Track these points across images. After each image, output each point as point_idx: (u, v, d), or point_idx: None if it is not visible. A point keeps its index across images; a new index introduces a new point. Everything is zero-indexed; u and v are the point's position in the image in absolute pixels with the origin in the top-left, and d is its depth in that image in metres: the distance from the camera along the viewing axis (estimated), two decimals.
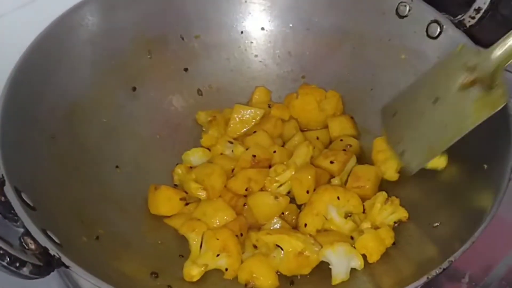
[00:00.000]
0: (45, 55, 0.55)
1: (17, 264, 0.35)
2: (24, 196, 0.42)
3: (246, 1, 0.68)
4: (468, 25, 0.58)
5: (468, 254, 0.51)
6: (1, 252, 0.34)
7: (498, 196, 0.44)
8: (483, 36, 0.76)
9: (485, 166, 0.49)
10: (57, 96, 0.56)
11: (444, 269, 0.39)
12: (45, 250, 0.38)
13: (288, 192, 0.57)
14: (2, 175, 0.42)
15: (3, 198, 0.41)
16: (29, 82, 0.52)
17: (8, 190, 0.41)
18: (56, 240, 0.40)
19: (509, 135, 0.48)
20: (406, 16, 0.62)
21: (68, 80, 0.57)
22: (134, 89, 0.64)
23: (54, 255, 0.38)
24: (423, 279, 0.39)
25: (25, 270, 0.35)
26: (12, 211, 0.40)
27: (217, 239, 0.51)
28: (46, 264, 0.37)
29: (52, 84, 0.55)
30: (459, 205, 0.49)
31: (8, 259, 0.34)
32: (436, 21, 0.59)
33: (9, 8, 0.56)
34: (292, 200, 0.57)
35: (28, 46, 0.53)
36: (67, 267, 0.38)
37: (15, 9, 0.56)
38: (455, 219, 0.48)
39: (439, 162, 0.54)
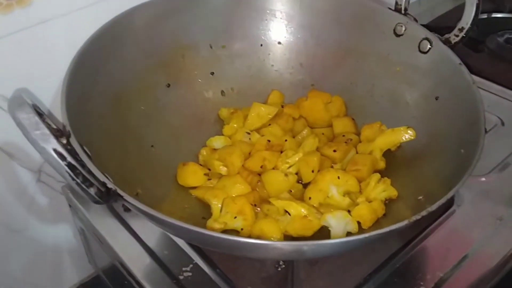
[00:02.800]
0: (99, 49, 0.65)
1: (87, 184, 0.45)
2: (84, 148, 0.52)
3: (266, 20, 0.80)
4: (453, 42, 0.68)
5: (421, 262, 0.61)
6: (77, 171, 0.44)
7: (469, 169, 0.53)
8: (477, 65, 0.88)
9: (462, 151, 0.58)
10: (107, 83, 0.66)
11: (422, 216, 0.49)
12: (104, 184, 0.48)
13: (296, 174, 0.67)
14: (69, 130, 0.52)
15: (69, 147, 0.50)
16: (85, 69, 0.62)
17: (73, 141, 0.51)
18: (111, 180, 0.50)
19: (480, 127, 0.58)
20: (402, 35, 0.73)
21: (116, 72, 0.67)
22: (168, 85, 0.74)
23: (111, 188, 0.48)
24: (404, 222, 0.48)
25: (92, 190, 0.45)
26: (76, 157, 0.50)
27: (235, 204, 0.61)
28: (106, 192, 0.47)
29: (103, 73, 0.65)
30: (440, 182, 0.58)
31: (81, 177, 0.44)
32: (427, 39, 0.70)
33: (73, 8, 0.68)
34: (299, 182, 0.67)
35: (86, 40, 0.64)
36: (121, 196, 0.47)
37: (78, 9, 0.68)
38: (434, 192, 0.57)
39: (408, 134, 0.66)
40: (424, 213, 0.49)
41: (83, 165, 0.46)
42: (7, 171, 0.74)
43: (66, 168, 0.44)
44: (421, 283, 0.60)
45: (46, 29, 0.66)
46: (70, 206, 0.77)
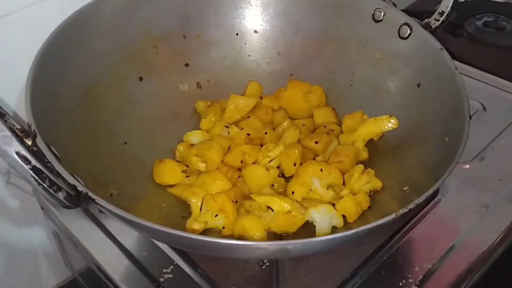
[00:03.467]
0: (66, 41, 0.61)
1: (55, 188, 0.42)
2: (52, 148, 0.49)
3: (241, 7, 0.77)
4: (433, 26, 0.66)
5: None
6: (43, 175, 0.41)
7: (456, 158, 0.51)
8: (456, 49, 0.86)
9: (447, 139, 0.57)
10: (75, 78, 0.62)
11: (410, 209, 0.47)
12: (74, 187, 0.45)
13: (278, 167, 0.65)
14: (34, 130, 0.49)
15: (35, 148, 0.47)
16: (51, 63, 0.58)
17: (40, 142, 0.48)
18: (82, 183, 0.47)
19: (464, 114, 0.56)
20: (381, 20, 0.71)
21: (85, 66, 0.64)
22: (141, 79, 0.71)
23: (81, 191, 0.45)
24: (392, 216, 0.46)
25: (61, 195, 0.42)
26: (43, 158, 0.47)
27: (215, 201, 0.58)
28: (77, 196, 0.44)
29: (72, 67, 0.62)
30: (425, 171, 0.57)
31: (48, 182, 0.41)
32: (406, 24, 0.68)
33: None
34: (281, 176, 0.65)
35: (51, 32, 0.60)
36: (93, 200, 0.44)
37: (41, 1, 0.64)
38: (420, 183, 0.55)
39: (391, 123, 0.64)
40: (412, 205, 0.47)
41: (51, 168, 0.43)
42: None
43: (31, 172, 0.41)
44: (409, 276, 0.59)
45: (8, 22, 0.62)
46: (42, 208, 0.73)
